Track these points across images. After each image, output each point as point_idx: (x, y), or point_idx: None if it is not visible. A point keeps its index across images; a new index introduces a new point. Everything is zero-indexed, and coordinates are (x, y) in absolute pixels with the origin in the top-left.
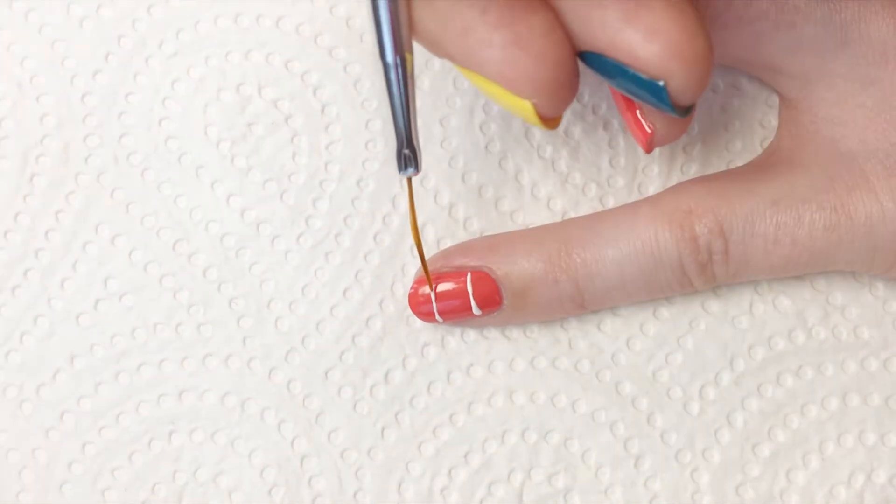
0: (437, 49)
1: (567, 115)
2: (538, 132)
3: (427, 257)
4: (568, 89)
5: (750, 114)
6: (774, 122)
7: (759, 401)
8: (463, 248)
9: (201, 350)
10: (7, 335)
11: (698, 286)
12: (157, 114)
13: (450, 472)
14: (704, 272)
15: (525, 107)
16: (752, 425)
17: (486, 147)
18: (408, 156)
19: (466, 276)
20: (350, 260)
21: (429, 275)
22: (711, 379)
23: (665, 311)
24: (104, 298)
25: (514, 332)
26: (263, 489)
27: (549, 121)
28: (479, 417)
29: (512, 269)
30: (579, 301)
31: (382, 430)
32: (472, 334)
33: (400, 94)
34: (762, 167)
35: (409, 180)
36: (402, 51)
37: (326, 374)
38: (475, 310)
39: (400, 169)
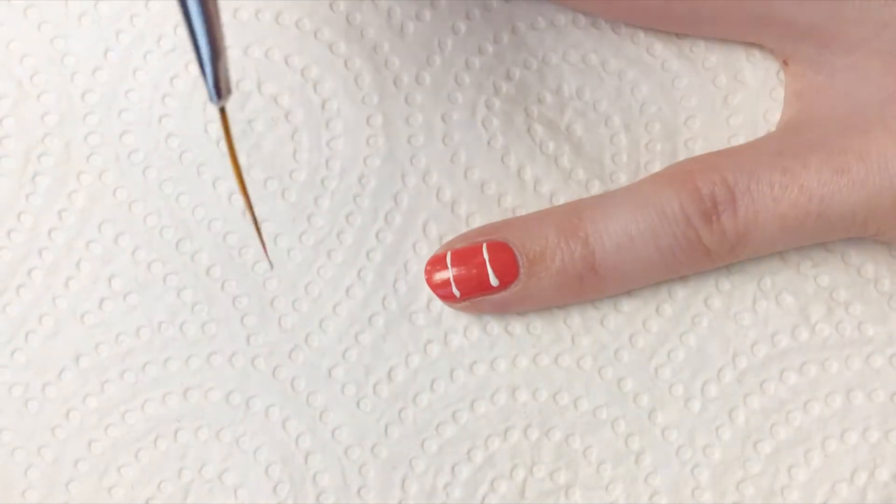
0: None
1: (569, 113)
2: (540, 128)
3: (432, 253)
4: None
5: (753, 108)
6: (778, 116)
7: (762, 398)
8: (480, 228)
9: (206, 348)
10: (12, 334)
11: (710, 243)
12: (156, 111)
13: (453, 468)
14: (711, 223)
15: None
16: (753, 422)
17: (489, 143)
18: (217, 80)
19: (483, 245)
20: (352, 257)
21: (258, 226)
22: (714, 376)
23: (668, 308)
24: (109, 297)
25: (517, 329)
26: (268, 486)
27: None
28: (481, 414)
29: (526, 234)
30: (591, 262)
31: (386, 427)
32: (474, 331)
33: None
34: (768, 134)
35: (223, 112)
36: None
37: (330, 371)
38: (493, 280)
39: (211, 98)
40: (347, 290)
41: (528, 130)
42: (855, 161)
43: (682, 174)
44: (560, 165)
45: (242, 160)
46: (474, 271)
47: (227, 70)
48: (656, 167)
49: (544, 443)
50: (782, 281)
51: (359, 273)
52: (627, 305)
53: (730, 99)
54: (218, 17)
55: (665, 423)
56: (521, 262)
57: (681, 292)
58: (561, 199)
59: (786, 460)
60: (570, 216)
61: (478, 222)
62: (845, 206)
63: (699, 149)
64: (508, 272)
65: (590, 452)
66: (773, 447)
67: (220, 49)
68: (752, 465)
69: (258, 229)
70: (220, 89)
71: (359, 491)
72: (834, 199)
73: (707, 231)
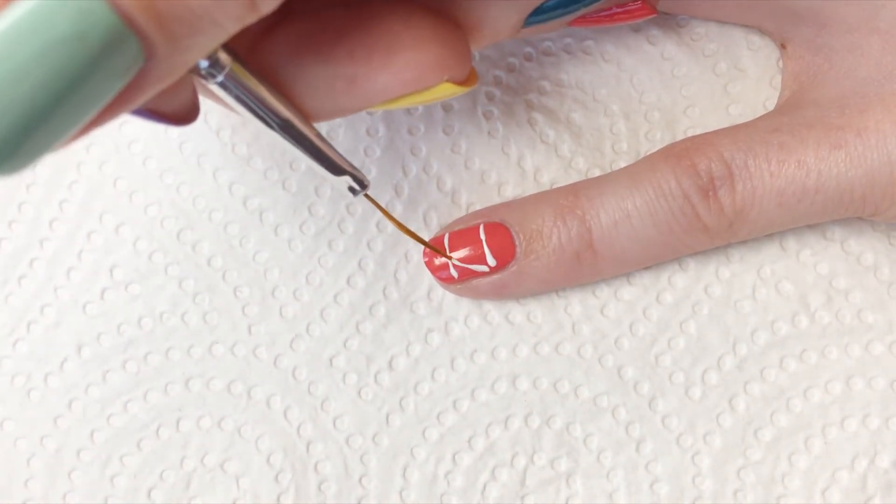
0: (348, 110)
1: (568, 102)
2: (540, 118)
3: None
4: (465, 44)
5: (753, 97)
6: None
7: (762, 385)
8: (478, 212)
9: (207, 338)
10: (14, 324)
11: (708, 219)
12: None
13: (454, 456)
14: (708, 199)
15: (444, 87)
16: (754, 409)
17: (489, 133)
18: (350, 184)
19: (480, 227)
20: (353, 247)
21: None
22: (714, 363)
23: (668, 296)
24: (110, 287)
25: (518, 317)
26: (270, 474)
27: (468, 80)
28: (482, 403)
29: (522, 215)
30: (588, 239)
31: (387, 415)
32: (475, 320)
33: (300, 143)
34: (765, 114)
35: (367, 196)
36: (287, 120)
37: (331, 360)
38: (490, 259)
39: (354, 194)
40: (348, 280)
41: (528, 120)
42: (853, 137)
43: (678, 152)
44: (560, 154)
45: (243, 151)
46: (472, 252)
47: (354, 170)
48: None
49: (545, 431)
50: (782, 269)
51: (359, 263)
52: (628, 293)
53: (729, 87)
54: (328, 145)
55: (665, 410)
56: (517, 242)
57: (681, 280)
58: None
59: (786, 447)
60: (567, 195)
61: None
62: (843, 182)
63: None
64: (505, 252)
65: (590, 440)
66: (773, 434)
67: (339, 166)
68: (753, 453)
69: (421, 240)
70: (355, 189)
71: (360, 479)
72: (832, 174)
73: (705, 207)
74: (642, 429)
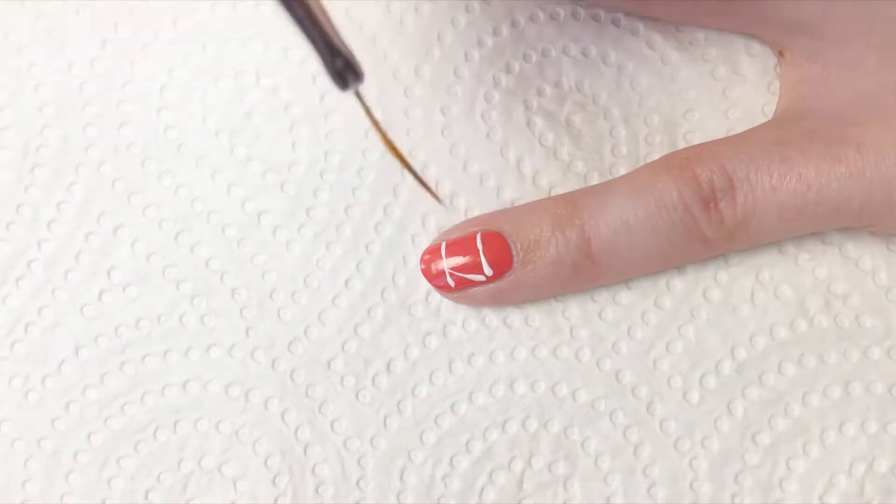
0: None
1: (568, 105)
2: (540, 121)
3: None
4: None
5: (752, 101)
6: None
7: (760, 389)
8: (475, 219)
9: (205, 340)
10: (12, 326)
11: (708, 231)
12: (155, 103)
13: (451, 459)
14: (709, 211)
15: None
16: (752, 414)
17: (488, 135)
18: (341, 67)
19: (477, 236)
20: (351, 250)
21: (424, 181)
22: (712, 368)
23: (666, 300)
24: (108, 289)
25: (516, 321)
26: (268, 477)
27: None
28: (480, 406)
29: (520, 224)
30: (587, 250)
31: (385, 418)
32: (473, 323)
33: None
34: (765, 123)
35: (357, 93)
36: None
37: (329, 363)
38: (486, 269)
39: (340, 87)
40: (346, 283)
41: (528, 123)
42: (853, 151)
43: (680, 162)
44: (559, 158)
45: (242, 153)
46: (468, 261)
47: (351, 57)
48: (655, 159)
49: (543, 434)
50: (780, 273)
51: (358, 265)
52: (626, 298)
53: (728, 92)
54: (326, 18)
55: (663, 414)
56: (514, 252)
57: (679, 284)
58: (560, 192)
59: (784, 452)
60: (566, 205)
61: (476, 215)
62: (842, 196)
63: (698, 141)
64: (502, 262)
65: (588, 444)
66: (771, 439)
67: (337, 46)
68: (751, 457)
69: (422, 181)
70: (346, 78)
71: (357, 482)
72: (832, 188)
73: (705, 219)
74: (640, 433)
